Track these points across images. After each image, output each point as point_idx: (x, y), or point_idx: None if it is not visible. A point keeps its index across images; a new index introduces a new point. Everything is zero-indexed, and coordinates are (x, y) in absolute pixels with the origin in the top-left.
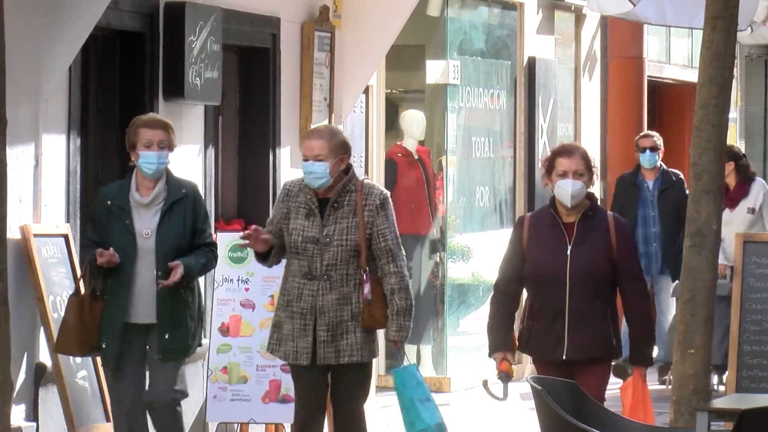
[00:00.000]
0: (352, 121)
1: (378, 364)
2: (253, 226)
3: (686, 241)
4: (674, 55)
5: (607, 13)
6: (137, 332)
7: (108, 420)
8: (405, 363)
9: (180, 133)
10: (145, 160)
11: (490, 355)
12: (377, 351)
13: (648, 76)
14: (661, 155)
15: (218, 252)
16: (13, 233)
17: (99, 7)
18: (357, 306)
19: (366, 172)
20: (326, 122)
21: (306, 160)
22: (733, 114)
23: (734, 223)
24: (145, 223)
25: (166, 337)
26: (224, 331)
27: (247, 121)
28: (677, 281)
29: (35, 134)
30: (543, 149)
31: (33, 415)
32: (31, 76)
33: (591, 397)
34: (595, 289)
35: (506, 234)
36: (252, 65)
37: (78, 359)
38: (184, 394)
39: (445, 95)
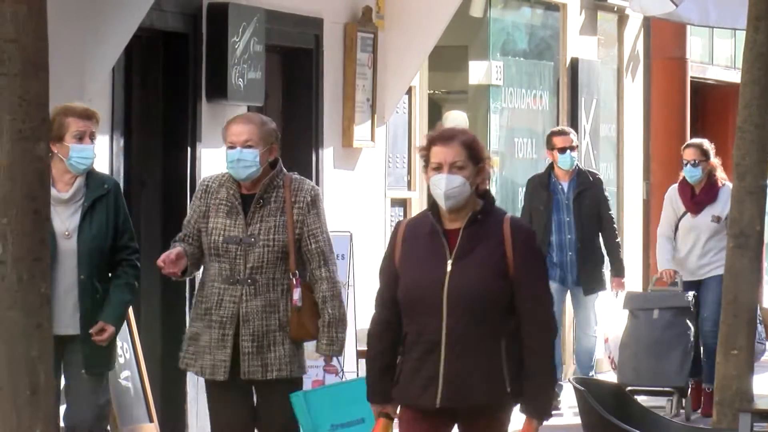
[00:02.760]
0: (394, 122)
1: None
2: (164, 255)
3: (729, 242)
4: (717, 56)
5: (649, 13)
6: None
7: (152, 420)
8: (338, 379)
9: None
10: (81, 154)
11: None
12: (306, 366)
13: (691, 77)
14: (577, 154)
15: None
16: None
17: (142, 8)
18: (285, 314)
19: (409, 173)
20: (369, 123)
21: (232, 147)
22: None
23: (696, 231)
24: (65, 222)
25: (90, 349)
26: None
27: (290, 122)
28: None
29: None
30: (585, 150)
31: None
32: (74, 77)
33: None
34: (481, 314)
35: None
36: (295, 66)
37: (121, 359)
38: (105, 409)
39: (488, 96)
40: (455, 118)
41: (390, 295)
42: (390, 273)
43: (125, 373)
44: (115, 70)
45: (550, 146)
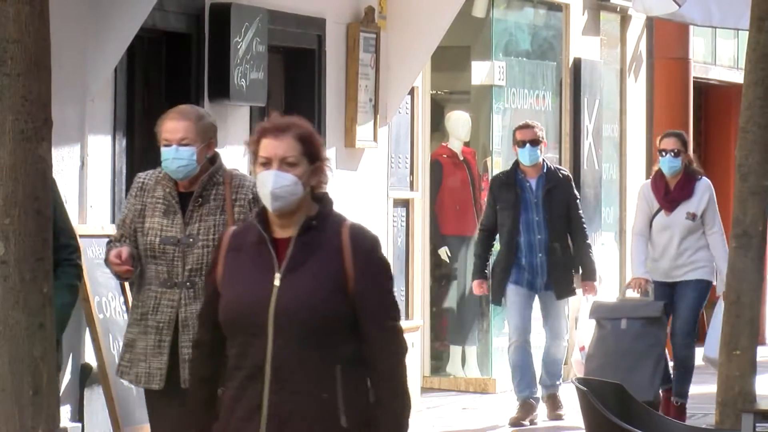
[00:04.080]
0: (397, 122)
1: (423, 365)
2: (115, 252)
3: (732, 242)
4: (720, 56)
5: (652, 14)
6: None
7: None
8: None
9: (225, 134)
10: None
11: None
12: None
13: (694, 77)
14: (543, 149)
15: None
16: None
17: (145, 9)
18: None
19: (411, 173)
20: (371, 124)
21: (168, 145)
22: None
23: (670, 230)
24: None
25: None
26: None
27: None
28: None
29: (81, 135)
30: (588, 151)
31: (78, 415)
32: (77, 77)
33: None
34: (314, 336)
35: None
36: (297, 66)
37: None
38: None
39: (491, 96)
40: (458, 119)
41: (210, 315)
42: (210, 289)
43: None
44: (117, 71)
45: (513, 141)
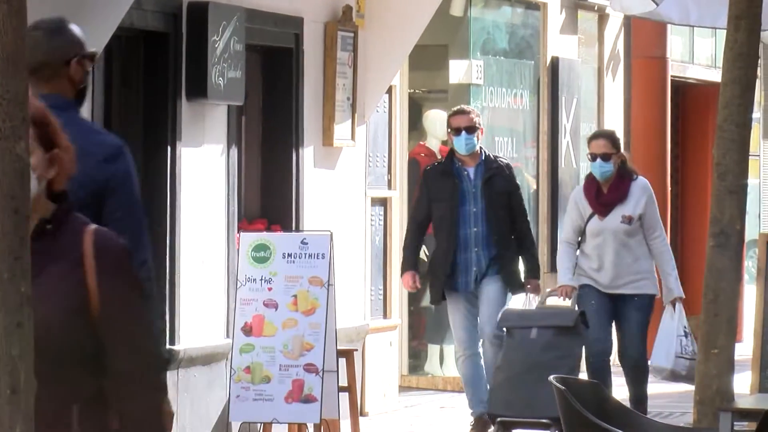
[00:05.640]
0: (375, 121)
1: (401, 364)
2: None
3: (709, 241)
4: (698, 55)
5: (630, 12)
6: None
7: None
8: None
9: (203, 133)
10: None
11: None
12: None
13: (671, 76)
14: (480, 137)
15: (242, 251)
16: None
17: (122, 7)
18: None
19: (389, 172)
20: (349, 122)
21: None
22: (757, 114)
23: (605, 235)
24: None
25: None
26: (247, 330)
27: (270, 121)
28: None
29: None
30: (566, 149)
31: None
32: None
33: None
34: (46, 368)
35: None
36: (275, 65)
37: None
38: None
39: (468, 95)
40: (436, 118)
41: None
42: None
43: None
44: (95, 70)
45: (448, 127)
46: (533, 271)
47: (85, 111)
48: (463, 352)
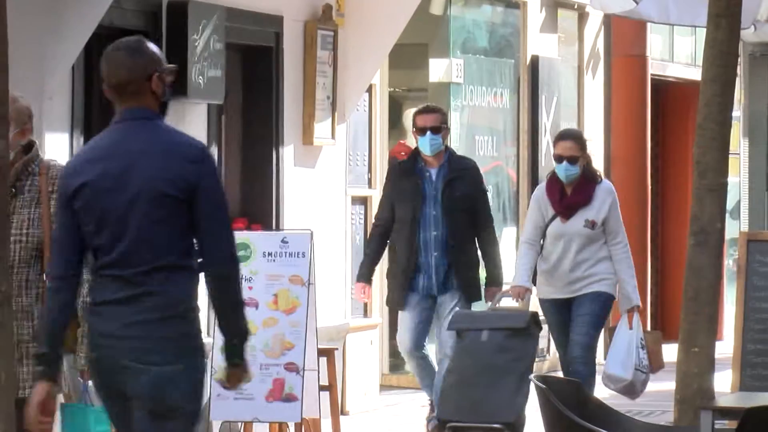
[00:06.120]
0: (355, 120)
1: (381, 363)
2: None
3: (689, 239)
4: (678, 54)
5: (610, 11)
6: None
7: None
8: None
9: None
10: None
11: None
12: (80, 385)
13: (651, 75)
14: (446, 137)
15: None
16: None
17: (102, 6)
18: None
19: (369, 171)
20: (329, 121)
21: None
22: (737, 112)
23: (566, 238)
24: None
25: None
26: None
27: (251, 120)
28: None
29: (38, 133)
30: (546, 148)
31: None
32: (34, 74)
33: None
34: None
35: (509, 233)
36: (255, 64)
37: None
38: None
39: (449, 94)
40: None
41: None
42: None
43: None
44: (74, 68)
45: (413, 125)
46: (493, 279)
47: (65, 110)
48: (405, 354)
